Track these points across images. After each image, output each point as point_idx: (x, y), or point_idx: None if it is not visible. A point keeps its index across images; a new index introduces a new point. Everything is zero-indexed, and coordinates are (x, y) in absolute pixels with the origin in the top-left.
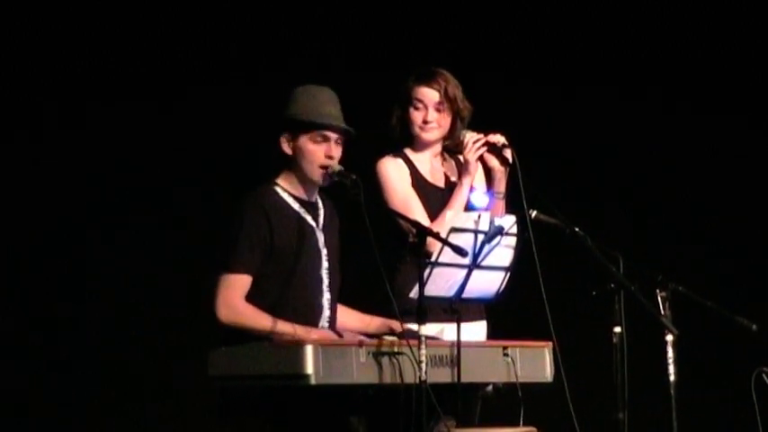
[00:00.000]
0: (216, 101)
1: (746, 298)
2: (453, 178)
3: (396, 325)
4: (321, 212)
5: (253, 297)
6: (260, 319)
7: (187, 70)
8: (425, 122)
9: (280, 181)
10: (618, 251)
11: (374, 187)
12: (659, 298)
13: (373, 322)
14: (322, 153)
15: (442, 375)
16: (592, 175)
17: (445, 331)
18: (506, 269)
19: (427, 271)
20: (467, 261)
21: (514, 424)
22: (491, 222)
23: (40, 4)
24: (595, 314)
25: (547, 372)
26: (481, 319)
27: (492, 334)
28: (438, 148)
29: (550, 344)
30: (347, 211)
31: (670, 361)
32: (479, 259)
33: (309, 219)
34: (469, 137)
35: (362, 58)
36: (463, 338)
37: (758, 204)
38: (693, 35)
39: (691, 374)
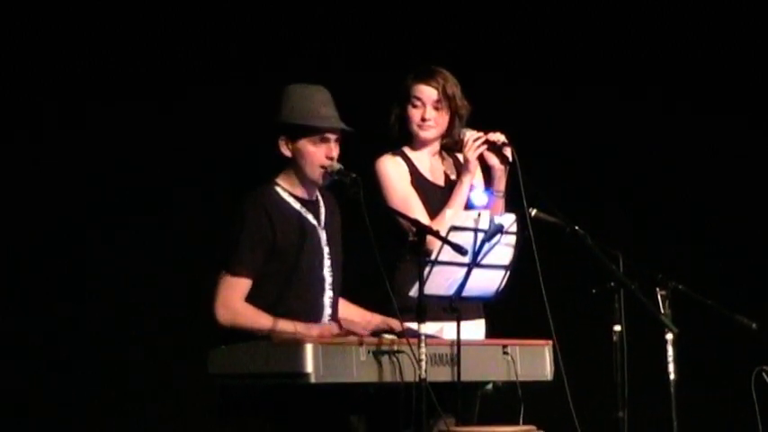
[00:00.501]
0: (216, 101)
1: (746, 298)
2: (453, 177)
3: (395, 323)
4: (322, 210)
5: (254, 296)
6: (259, 319)
7: (187, 70)
8: (423, 120)
9: (279, 181)
10: (617, 250)
11: (373, 186)
12: (659, 296)
13: (374, 320)
14: (322, 154)
15: (442, 374)
16: (592, 175)
17: (445, 330)
18: (506, 268)
19: (427, 269)
20: (466, 259)
21: (514, 422)
22: (491, 221)
23: (40, 4)
24: (595, 313)
25: (547, 370)
26: (480, 317)
27: (492, 332)
28: (436, 146)
29: (550, 342)
30: (347, 209)
31: (670, 360)
32: (479, 258)
33: (311, 217)
34: (470, 135)
35: (362, 58)
36: (462, 337)
37: (758, 204)
38: (693, 35)
39: (691, 373)
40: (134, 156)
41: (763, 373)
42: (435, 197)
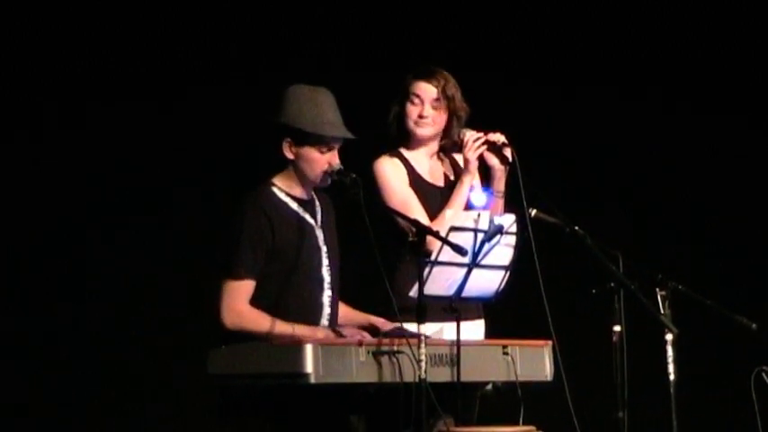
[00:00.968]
0: (216, 101)
1: (746, 298)
2: (452, 177)
3: (381, 322)
4: (318, 210)
5: (254, 297)
6: (263, 322)
7: (187, 70)
8: (420, 117)
9: (276, 181)
10: (617, 250)
11: (372, 188)
12: (659, 297)
13: (357, 317)
14: (325, 161)
15: (442, 374)
16: (592, 175)
17: (445, 330)
18: (506, 268)
19: (427, 270)
20: (466, 260)
21: (514, 423)
22: (491, 221)
23: (40, 4)
24: (595, 313)
25: (546, 371)
26: (479, 317)
27: (491, 333)
28: (434, 147)
29: (550, 343)
30: (347, 210)
31: (670, 360)
32: (479, 258)
33: (308, 217)
34: (470, 135)
35: (362, 58)
36: (462, 337)
37: (758, 204)
38: (693, 35)
39: (691, 374)
40: (134, 156)
41: (763, 374)
42: (434, 198)
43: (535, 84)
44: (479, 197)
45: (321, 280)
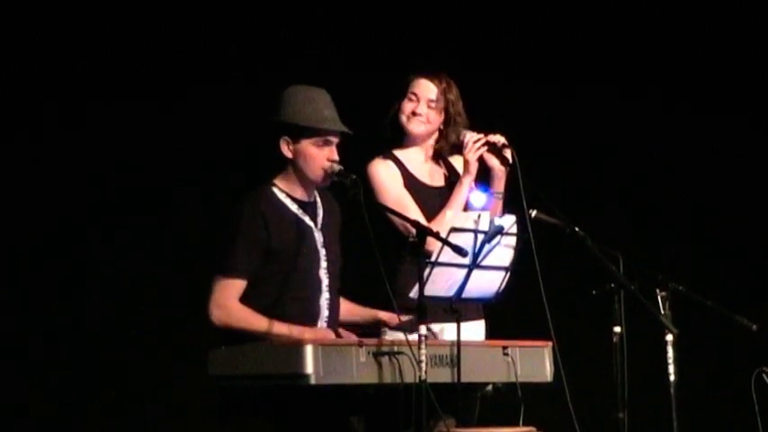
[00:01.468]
0: (216, 101)
1: (746, 298)
2: (452, 178)
3: (388, 317)
4: (320, 212)
5: (251, 298)
6: (253, 320)
7: (187, 70)
8: (414, 114)
9: (277, 182)
10: (618, 251)
11: (366, 190)
12: (659, 297)
13: (362, 312)
14: (324, 157)
15: (442, 375)
16: (592, 175)
17: (445, 331)
18: (506, 269)
19: (427, 271)
20: (467, 261)
21: (514, 424)
22: (491, 222)
23: (40, 4)
24: (595, 314)
25: (547, 371)
26: (479, 318)
27: (492, 334)
28: (428, 148)
29: (550, 344)
30: (347, 211)
31: (670, 361)
32: (479, 259)
33: (307, 219)
34: (470, 137)
35: (362, 58)
36: (462, 338)
37: (758, 204)
38: (693, 35)
39: (691, 374)
40: (134, 156)
41: (763, 375)
42: (430, 197)
43: (535, 84)
44: (479, 198)
45: (319, 282)
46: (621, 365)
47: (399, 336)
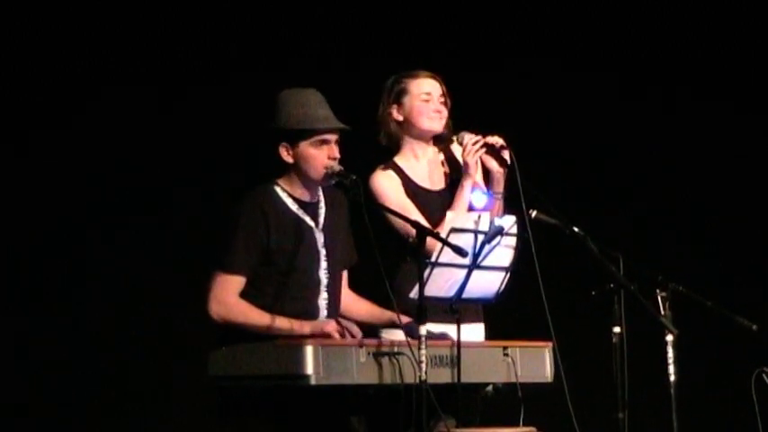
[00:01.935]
0: (216, 101)
1: (746, 298)
2: (454, 176)
3: (405, 321)
4: (322, 212)
5: (250, 297)
6: (253, 315)
7: (187, 70)
8: (436, 112)
9: (280, 181)
10: (618, 251)
11: (369, 202)
12: (659, 298)
13: (384, 315)
14: (324, 156)
15: (442, 376)
16: (592, 175)
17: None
18: (506, 269)
19: (427, 271)
20: (467, 261)
21: (514, 424)
22: (491, 223)
23: (40, 4)
24: (595, 314)
25: (547, 372)
26: (479, 321)
27: (491, 334)
28: (428, 150)
29: (550, 344)
30: (347, 211)
31: (670, 361)
32: (479, 259)
33: (308, 219)
34: (468, 138)
35: (362, 58)
36: (462, 339)
37: (758, 204)
38: (694, 35)
39: (691, 374)
40: (134, 156)
41: (764, 375)
42: (432, 203)
43: (535, 84)
44: (479, 199)
45: (318, 282)
46: (621, 365)
47: (400, 336)
